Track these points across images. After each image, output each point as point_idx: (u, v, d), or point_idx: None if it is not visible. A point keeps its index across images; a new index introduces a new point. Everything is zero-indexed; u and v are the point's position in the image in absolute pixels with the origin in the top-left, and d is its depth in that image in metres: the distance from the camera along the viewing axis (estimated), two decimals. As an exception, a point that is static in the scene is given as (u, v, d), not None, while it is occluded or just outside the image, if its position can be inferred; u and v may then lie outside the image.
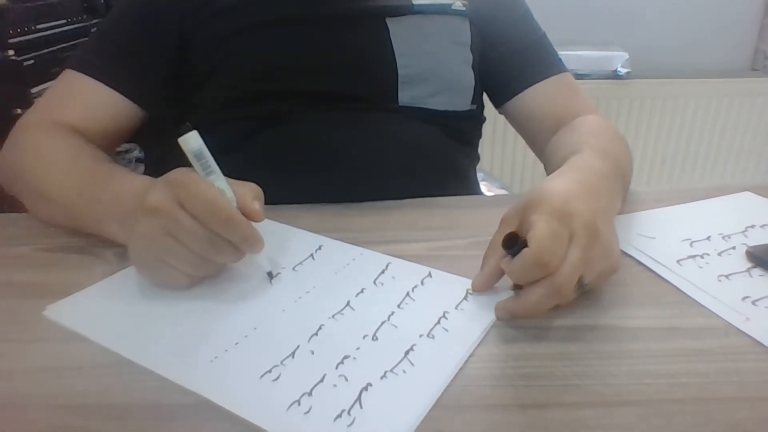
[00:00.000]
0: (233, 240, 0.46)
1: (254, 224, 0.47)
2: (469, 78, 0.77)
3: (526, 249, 0.42)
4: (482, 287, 0.48)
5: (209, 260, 0.47)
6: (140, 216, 0.46)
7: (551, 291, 0.43)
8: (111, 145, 0.72)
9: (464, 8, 0.77)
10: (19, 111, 1.28)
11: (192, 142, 0.46)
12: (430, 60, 0.74)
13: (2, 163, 0.67)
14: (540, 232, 0.43)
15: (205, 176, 0.47)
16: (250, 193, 0.49)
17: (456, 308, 0.47)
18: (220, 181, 0.47)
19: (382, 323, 0.45)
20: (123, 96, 0.70)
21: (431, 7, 0.75)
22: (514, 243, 0.44)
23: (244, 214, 0.47)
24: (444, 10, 0.76)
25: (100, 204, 0.55)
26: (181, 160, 0.48)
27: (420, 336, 0.43)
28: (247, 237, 0.46)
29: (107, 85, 0.69)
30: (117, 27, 0.75)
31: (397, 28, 0.73)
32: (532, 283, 0.44)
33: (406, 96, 0.73)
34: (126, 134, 0.73)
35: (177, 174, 0.46)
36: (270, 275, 0.51)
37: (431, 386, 0.38)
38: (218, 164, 0.48)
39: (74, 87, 0.70)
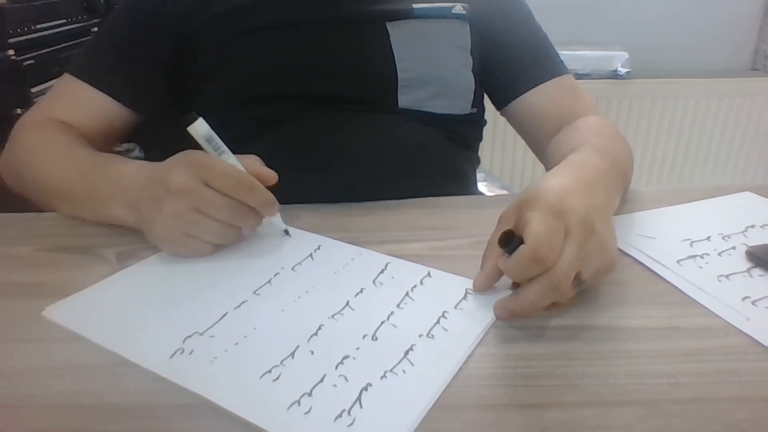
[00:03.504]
0: (255, 204, 0.52)
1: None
2: (468, 82, 0.77)
3: (522, 246, 0.42)
4: (483, 287, 0.48)
5: (233, 227, 0.53)
6: (166, 197, 0.50)
7: (549, 287, 0.43)
8: (108, 146, 0.73)
9: (464, 12, 0.77)
10: (19, 111, 1.28)
11: (201, 128, 0.52)
12: (430, 64, 0.74)
13: (5, 163, 0.69)
14: (536, 228, 0.43)
15: (217, 156, 0.52)
16: (256, 161, 0.55)
17: (455, 308, 0.47)
18: (231, 158, 0.53)
19: (382, 323, 0.45)
20: (116, 100, 0.71)
21: (431, 11, 0.75)
22: (510, 241, 0.44)
23: (259, 179, 0.52)
24: (444, 14, 0.76)
25: (102, 190, 0.58)
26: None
27: (419, 336, 0.43)
28: (267, 199, 0.53)
29: (100, 89, 0.71)
30: (113, 30, 0.75)
31: (397, 32, 0.73)
32: (530, 280, 0.44)
33: (405, 99, 0.73)
34: (122, 136, 0.75)
35: (194, 156, 0.51)
36: (287, 232, 0.58)
37: (431, 386, 0.38)
38: None
39: (69, 90, 0.72)
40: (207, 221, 0.51)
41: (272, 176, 0.54)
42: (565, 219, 0.44)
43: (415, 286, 0.50)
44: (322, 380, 0.39)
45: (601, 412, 0.37)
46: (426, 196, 0.68)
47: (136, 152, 1.58)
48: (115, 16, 0.76)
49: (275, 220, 0.57)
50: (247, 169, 0.53)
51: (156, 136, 0.76)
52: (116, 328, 0.44)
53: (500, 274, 0.47)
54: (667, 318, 0.46)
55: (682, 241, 0.57)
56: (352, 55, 0.72)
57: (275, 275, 0.51)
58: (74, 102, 0.71)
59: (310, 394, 0.37)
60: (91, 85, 0.71)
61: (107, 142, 0.73)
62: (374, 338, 0.43)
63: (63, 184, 0.62)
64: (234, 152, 0.53)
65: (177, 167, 0.51)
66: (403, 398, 0.37)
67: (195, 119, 0.52)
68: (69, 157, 0.63)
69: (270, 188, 0.53)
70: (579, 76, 1.78)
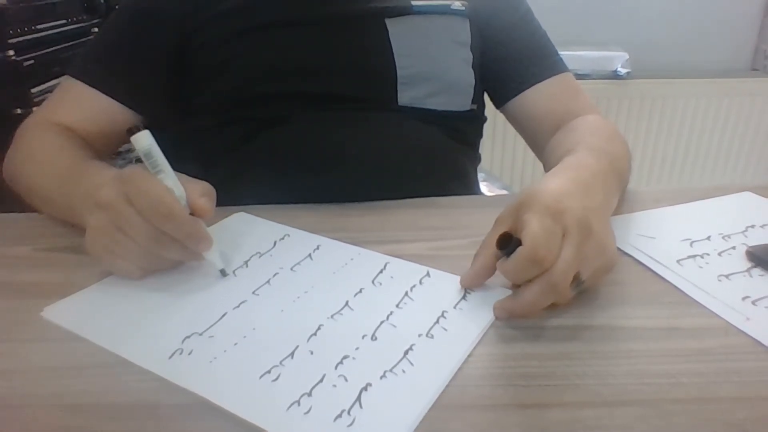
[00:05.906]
0: (176, 236, 0.47)
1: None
2: (469, 77, 0.77)
3: (520, 247, 0.43)
4: (470, 284, 0.49)
5: (156, 255, 0.48)
6: (93, 210, 0.48)
7: (547, 288, 0.43)
8: (111, 146, 0.74)
9: (463, 8, 0.77)
10: (19, 111, 1.28)
11: (141, 141, 0.48)
12: (429, 60, 0.74)
13: (7, 165, 0.69)
14: (533, 229, 0.43)
15: (153, 174, 0.48)
16: (200, 189, 0.50)
17: (455, 308, 0.47)
18: (168, 179, 0.48)
19: (381, 323, 0.45)
20: (116, 101, 0.71)
21: (430, 8, 0.75)
22: (507, 243, 0.44)
23: (192, 211, 0.48)
24: (443, 10, 0.76)
25: (74, 197, 0.56)
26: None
27: (419, 336, 0.43)
28: (191, 234, 0.47)
29: (101, 91, 0.71)
30: (114, 31, 0.76)
31: (396, 28, 0.73)
32: (528, 281, 0.44)
33: (405, 97, 0.73)
34: (124, 137, 0.74)
35: (128, 171, 0.48)
36: (223, 272, 0.51)
37: (431, 386, 0.38)
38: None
39: (71, 93, 0.72)
40: (128, 242, 0.47)
41: (205, 211, 0.49)
42: (563, 220, 0.44)
43: (414, 286, 0.50)
44: (321, 380, 0.39)
45: (601, 412, 0.37)
46: (427, 195, 0.68)
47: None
48: (115, 17, 0.76)
49: (209, 256, 0.50)
50: (187, 195, 0.48)
51: (156, 137, 0.76)
52: (115, 329, 0.44)
53: (490, 272, 0.48)
54: (667, 318, 0.46)
55: (682, 241, 0.57)
56: (351, 52, 0.72)
57: (274, 275, 0.51)
58: (75, 104, 0.71)
59: (309, 394, 0.37)
60: (92, 86, 0.71)
61: (109, 143, 0.73)
62: (374, 338, 0.43)
63: (45, 190, 0.62)
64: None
65: (110, 180, 0.48)
66: (403, 398, 0.37)
67: (139, 130, 0.48)
68: (53, 162, 0.63)
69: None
70: (579, 77, 1.77)
